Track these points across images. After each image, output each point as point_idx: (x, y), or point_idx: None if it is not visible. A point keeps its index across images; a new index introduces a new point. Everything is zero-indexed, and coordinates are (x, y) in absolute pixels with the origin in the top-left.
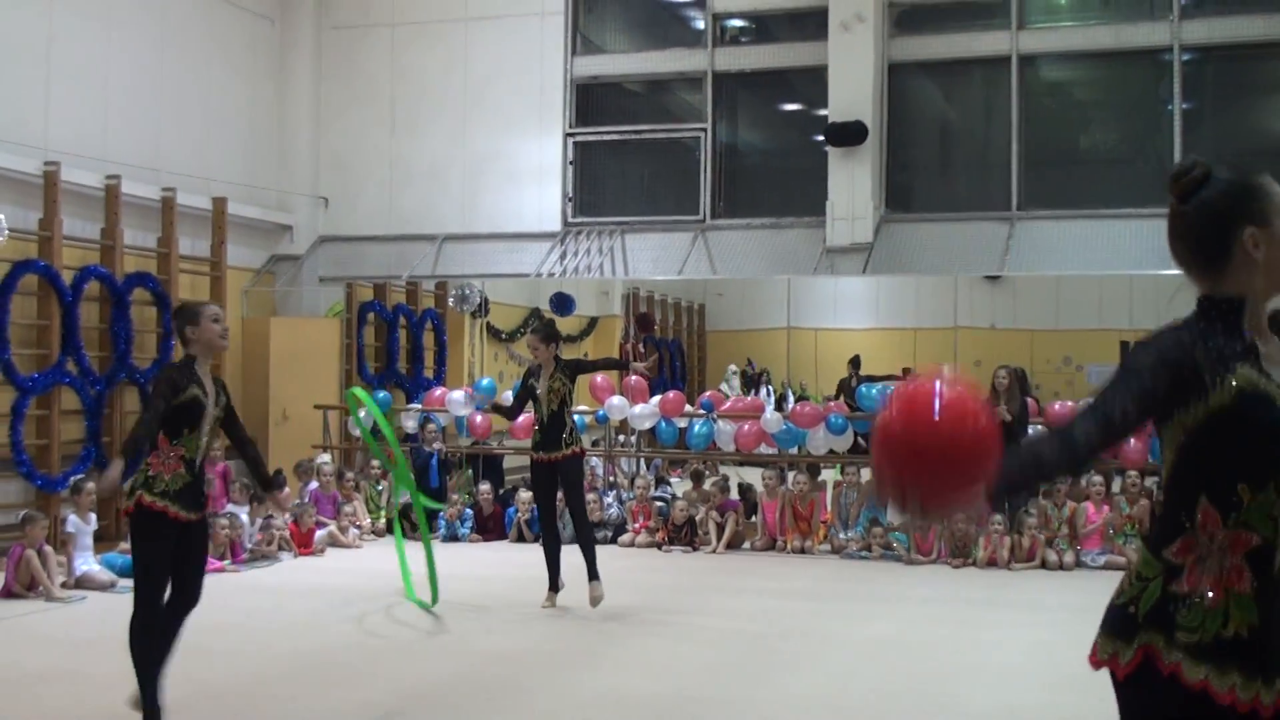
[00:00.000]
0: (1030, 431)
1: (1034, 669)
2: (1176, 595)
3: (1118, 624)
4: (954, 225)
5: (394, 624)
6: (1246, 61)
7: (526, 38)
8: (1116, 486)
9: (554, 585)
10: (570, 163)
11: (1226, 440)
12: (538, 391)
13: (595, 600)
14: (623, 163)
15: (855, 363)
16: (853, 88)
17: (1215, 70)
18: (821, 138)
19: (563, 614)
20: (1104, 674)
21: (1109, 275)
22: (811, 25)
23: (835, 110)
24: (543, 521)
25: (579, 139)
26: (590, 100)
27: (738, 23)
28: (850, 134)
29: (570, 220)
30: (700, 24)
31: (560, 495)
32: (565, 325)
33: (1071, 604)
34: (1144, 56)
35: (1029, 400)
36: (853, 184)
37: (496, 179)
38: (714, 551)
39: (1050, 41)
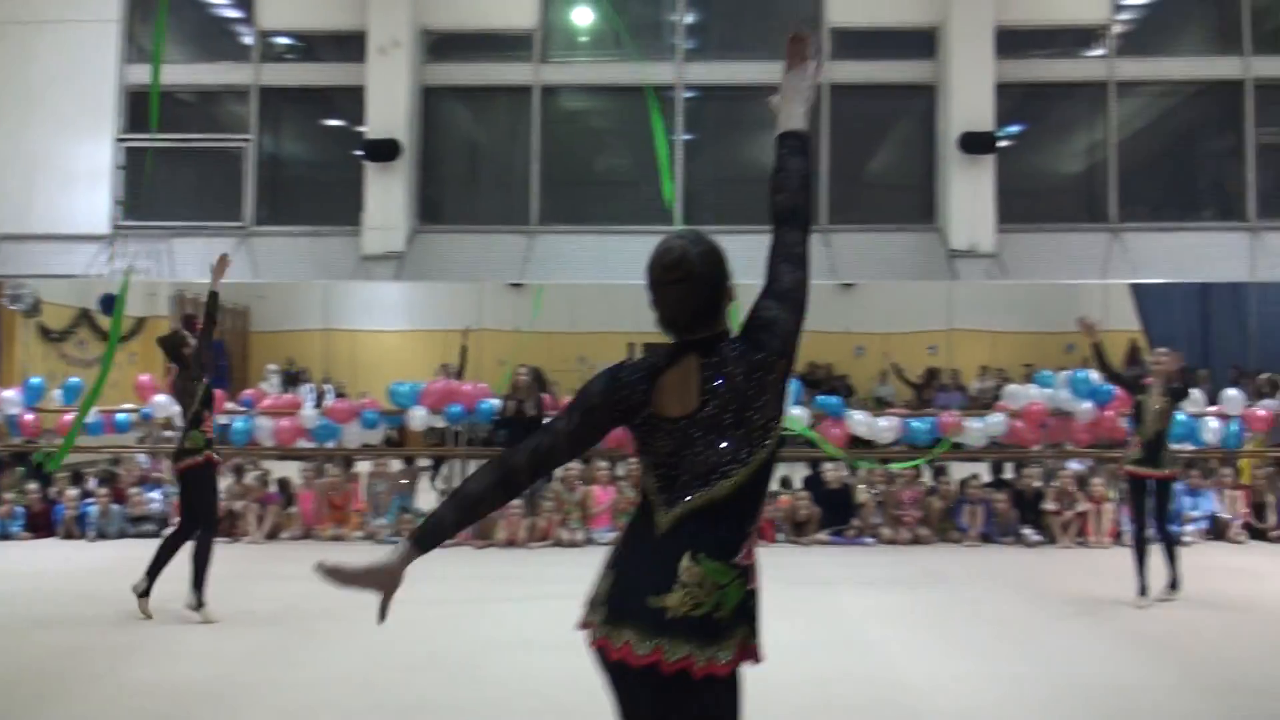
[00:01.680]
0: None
1: (549, 637)
2: (752, 592)
3: (706, 631)
4: (480, 237)
5: None
6: (739, 101)
7: (84, 43)
8: (621, 471)
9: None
10: (121, 167)
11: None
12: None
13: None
14: (172, 169)
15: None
16: (389, 107)
17: (713, 107)
18: (360, 153)
19: (110, 607)
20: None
21: (617, 284)
22: (353, 47)
23: (373, 128)
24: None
25: (130, 144)
26: (143, 107)
27: (284, 40)
28: (386, 150)
29: (120, 223)
30: (249, 39)
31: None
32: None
33: (582, 577)
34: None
35: (545, 396)
36: (388, 197)
37: (51, 181)
38: (254, 542)
39: (569, 74)
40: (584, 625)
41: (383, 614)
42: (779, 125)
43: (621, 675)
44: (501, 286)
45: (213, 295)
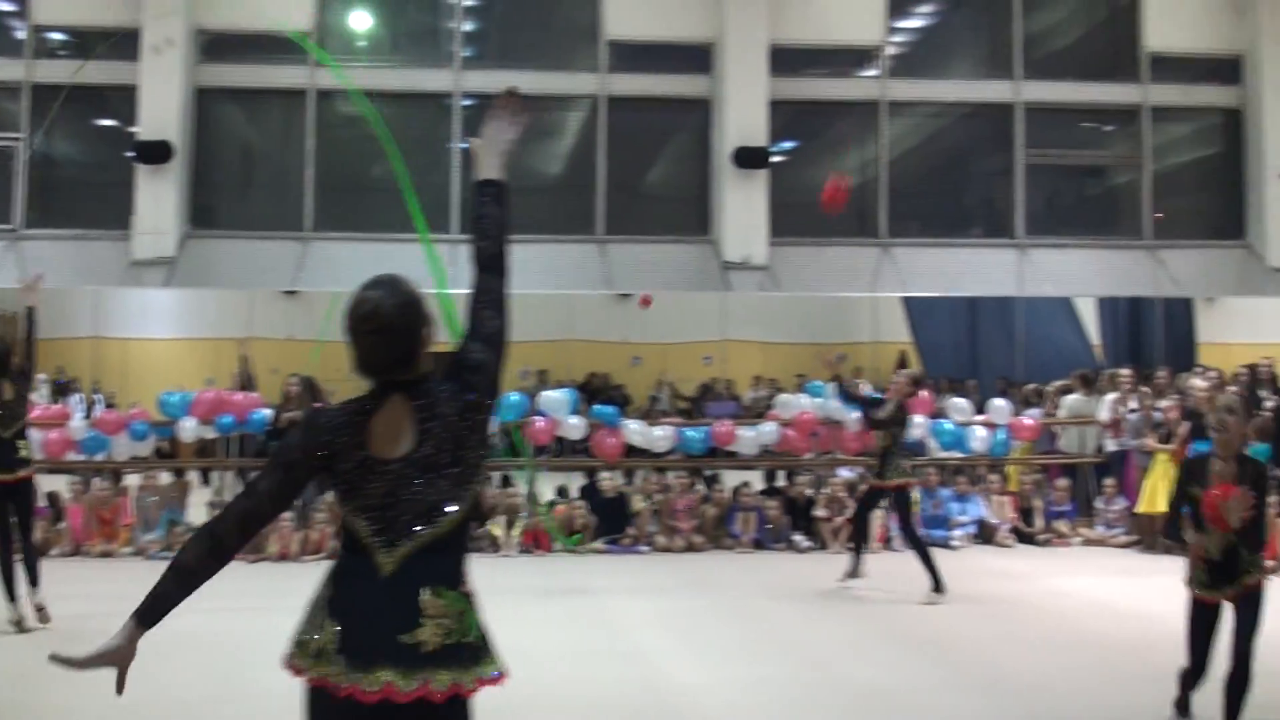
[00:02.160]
0: None
1: None
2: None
3: (464, 657)
4: (253, 243)
5: None
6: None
7: None
8: None
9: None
10: None
11: None
12: None
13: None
14: None
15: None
16: (161, 108)
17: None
18: (131, 154)
19: None
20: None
21: None
22: (128, 45)
23: (145, 129)
24: None
25: None
26: None
27: (58, 36)
28: (157, 152)
29: None
30: (21, 34)
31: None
32: None
33: None
34: (429, 99)
35: (317, 405)
36: (159, 200)
37: None
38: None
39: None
40: (294, 669)
41: (120, 688)
42: (478, 172)
43: (353, 712)
44: (274, 294)
45: (30, 311)
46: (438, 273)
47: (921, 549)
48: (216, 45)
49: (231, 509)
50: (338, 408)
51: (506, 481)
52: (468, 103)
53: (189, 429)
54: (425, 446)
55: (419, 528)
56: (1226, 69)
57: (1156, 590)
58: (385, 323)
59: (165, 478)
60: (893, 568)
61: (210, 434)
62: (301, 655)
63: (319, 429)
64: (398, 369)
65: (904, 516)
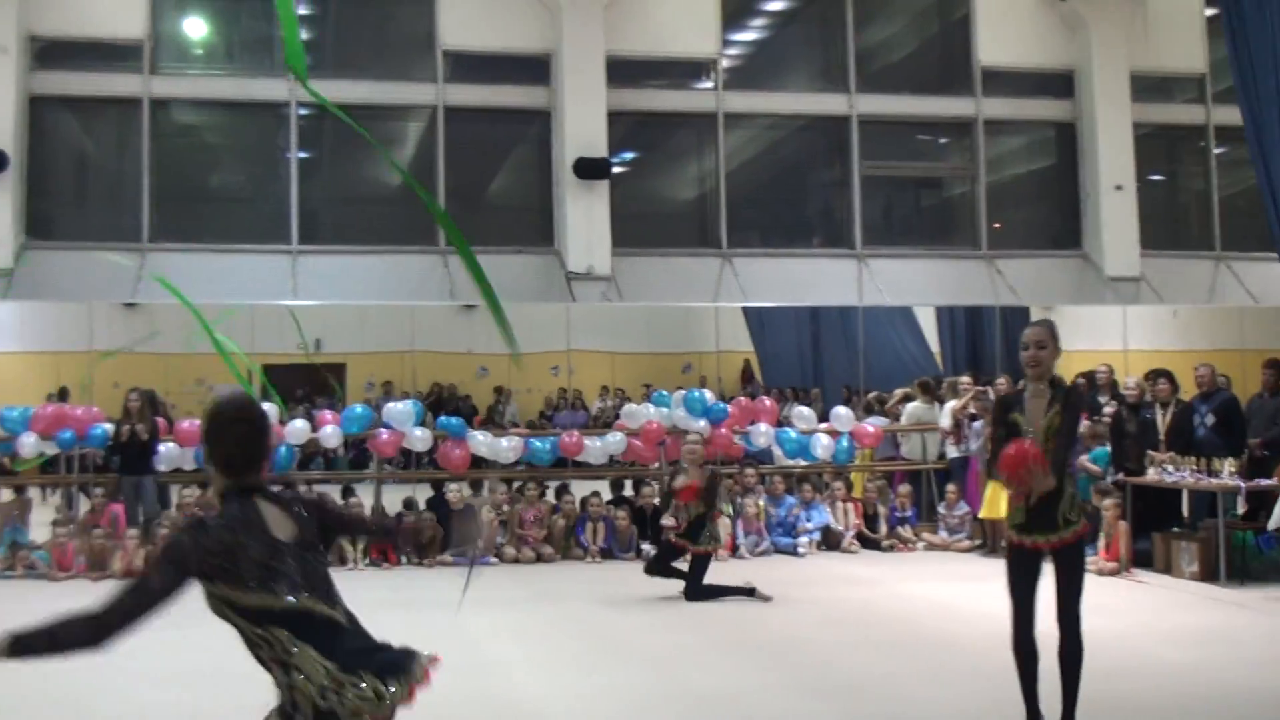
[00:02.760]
0: (161, 450)
1: (161, 669)
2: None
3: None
4: (92, 254)
5: None
6: (354, 119)
7: None
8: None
9: None
10: None
11: None
12: None
13: None
14: None
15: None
16: None
17: (330, 125)
18: None
19: None
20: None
21: (234, 304)
22: None
23: None
24: None
25: None
26: None
27: None
28: None
29: None
30: None
31: None
32: None
33: (197, 608)
34: (266, 108)
35: (159, 420)
36: None
37: None
38: None
39: (181, 87)
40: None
41: None
42: None
43: None
44: (115, 306)
45: None
46: (481, 282)
47: (715, 594)
48: (50, 52)
49: (120, 606)
50: (220, 514)
51: (347, 493)
52: (304, 112)
53: (29, 444)
54: (305, 533)
55: (318, 591)
56: (1059, 83)
57: (998, 593)
58: (256, 414)
59: (6, 495)
60: (742, 576)
61: (51, 449)
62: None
63: (210, 532)
64: (253, 467)
65: (698, 576)
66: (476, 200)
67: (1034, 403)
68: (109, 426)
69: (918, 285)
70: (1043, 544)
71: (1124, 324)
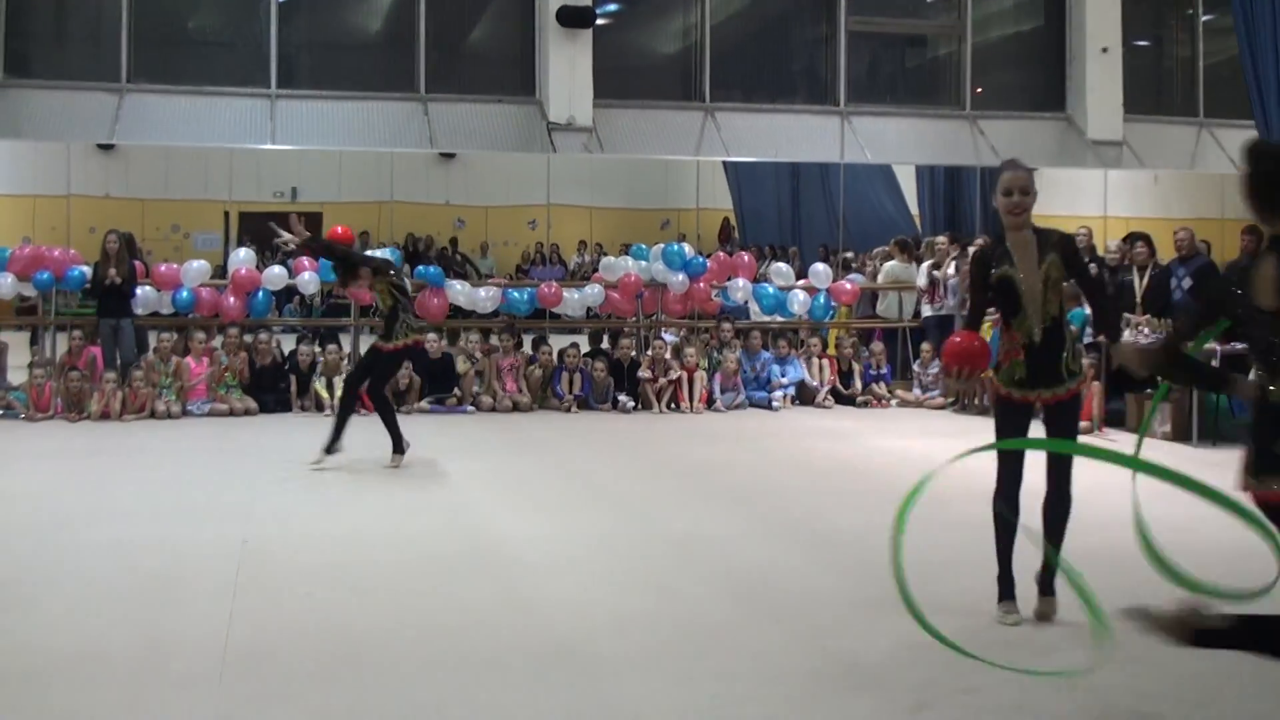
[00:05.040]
0: (139, 294)
1: (139, 506)
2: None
3: None
4: (69, 93)
5: None
6: None
7: None
8: (217, 342)
9: None
10: None
11: None
12: None
13: None
14: None
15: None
16: None
17: None
18: None
19: None
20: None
21: (212, 148)
22: None
23: None
24: None
25: None
26: None
27: None
28: None
29: None
30: None
31: None
32: None
33: (181, 448)
34: None
35: (137, 264)
36: None
37: None
38: None
39: None
40: None
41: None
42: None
43: None
44: (91, 148)
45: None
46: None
47: (387, 410)
48: None
49: None
50: None
51: (326, 340)
52: None
53: (6, 285)
54: None
55: None
56: None
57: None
58: None
59: None
60: (717, 429)
61: (28, 290)
62: None
63: None
64: None
65: (383, 380)
66: (457, 47)
67: (1022, 253)
68: (87, 269)
69: (900, 143)
70: (1049, 398)
71: (1104, 188)
